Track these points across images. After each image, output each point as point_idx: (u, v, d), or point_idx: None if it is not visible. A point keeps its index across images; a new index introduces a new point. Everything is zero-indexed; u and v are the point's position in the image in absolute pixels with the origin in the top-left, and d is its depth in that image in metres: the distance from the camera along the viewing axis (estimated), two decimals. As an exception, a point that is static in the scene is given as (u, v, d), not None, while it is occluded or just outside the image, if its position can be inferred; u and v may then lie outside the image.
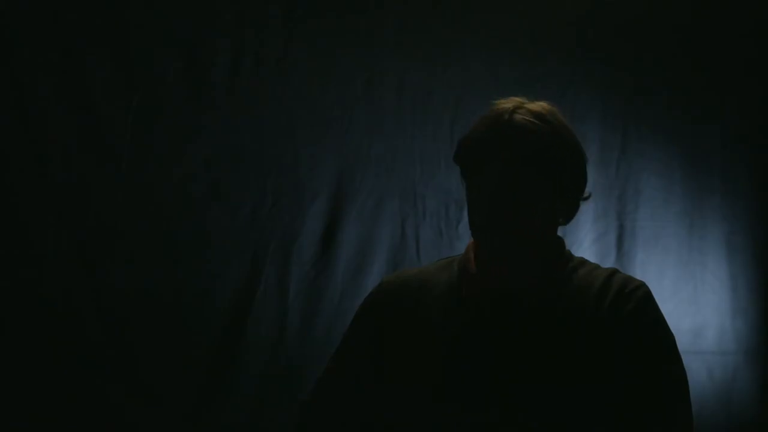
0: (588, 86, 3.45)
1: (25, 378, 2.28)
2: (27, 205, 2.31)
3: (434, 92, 3.07)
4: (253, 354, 2.64)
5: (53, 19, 2.35)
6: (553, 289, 1.66)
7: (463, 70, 3.13)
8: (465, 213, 1.73)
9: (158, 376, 2.47)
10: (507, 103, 1.67)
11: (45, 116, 2.33)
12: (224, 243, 2.62)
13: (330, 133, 2.84)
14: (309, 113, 2.79)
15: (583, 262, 1.73)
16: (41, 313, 2.31)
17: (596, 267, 1.72)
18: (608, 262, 3.39)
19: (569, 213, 1.72)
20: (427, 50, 3.06)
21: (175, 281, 2.52)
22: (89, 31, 2.41)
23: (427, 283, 1.76)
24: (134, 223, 2.46)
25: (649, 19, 3.65)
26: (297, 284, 2.74)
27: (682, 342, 1.75)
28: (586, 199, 1.73)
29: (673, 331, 1.66)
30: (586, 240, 3.40)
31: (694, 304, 3.69)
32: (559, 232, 1.75)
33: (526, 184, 1.63)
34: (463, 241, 2.96)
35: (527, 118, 1.64)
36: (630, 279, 1.67)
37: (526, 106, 1.66)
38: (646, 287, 1.66)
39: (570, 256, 1.74)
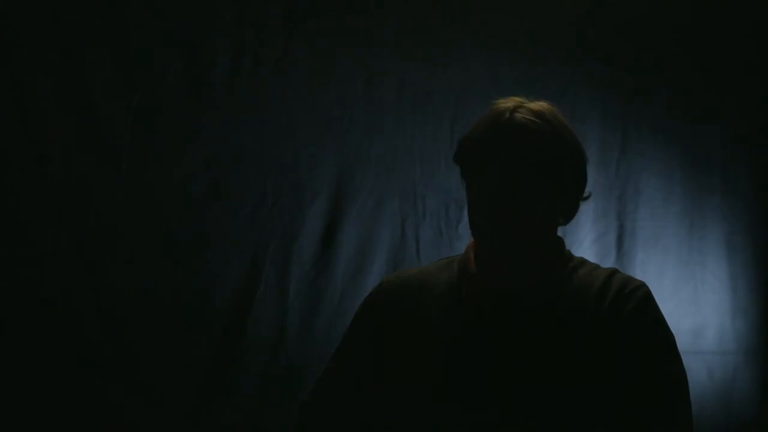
0: (588, 86, 3.45)
1: (25, 378, 2.28)
2: (27, 205, 2.31)
3: (434, 92, 3.07)
4: (253, 354, 2.64)
5: (53, 19, 2.35)
6: (553, 289, 1.66)
7: (463, 70, 3.13)
8: (465, 213, 1.73)
9: (158, 376, 2.47)
10: (507, 102, 1.67)
11: (45, 116, 2.33)
12: (224, 243, 2.62)
13: (330, 133, 2.84)
14: (309, 113, 2.79)
15: (583, 262, 1.73)
16: (41, 313, 2.31)
17: (596, 267, 1.72)
18: (608, 262, 3.39)
19: (569, 213, 1.72)
20: (427, 50, 3.06)
21: (175, 281, 2.52)
22: (89, 31, 2.41)
23: (427, 283, 1.76)
24: (134, 223, 2.46)
25: (649, 19, 3.65)
26: (297, 284, 2.74)
27: (682, 342, 1.75)
28: (586, 199, 1.73)
29: (673, 331, 1.66)
30: (586, 240, 3.40)
31: (694, 304, 3.69)
32: (559, 232, 1.75)
33: (526, 184, 1.63)
34: (463, 241, 2.96)
35: (527, 117, 1.64)
36: (630, 279, 1.67)
37: (526, 105, 1.66)
38: (646, 287, 1.66)
39: (570, 256, 1.74)
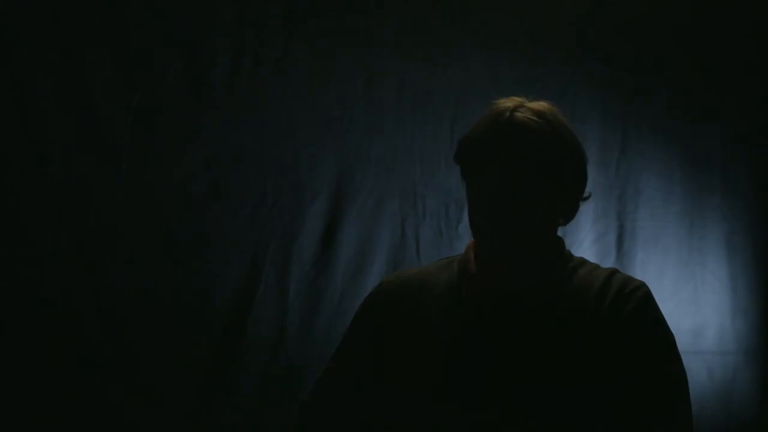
0: (588, 86, 3.45)
1: (25, 378, 2.28)
2: (27, 205, 2.31)
3: (434, 92, 3.07)
4: (253, 354, 2.64)
5: (53, 19, 2.35)
6: (553, 289, 1.66)
7: (463, 70, 3.13)
8: (465, 213, 1.73)
9: (158, 376, 2.47)
10: (507, 102, 1.67)
11: (45, 116, 2.33)
12: (224, 243, 2.62)
13: (330, 133, 2.84)
14: (309, 113, 2.79)
15: (583, 262, 1.73)
16: (41, 313, 2.31)
17: (596, 267, 1.72)
18: (608, 262, 3.39)
19: (569, 213, 1.72)
20: (427, 50, 3.06)
21: (175, 281, 2.52)
22: (89, 31, 2.41)
23: (427, 283, 1.76)
24: (134, 223, 2.46)
25: (649, 19, 3.65)
26: (297, 284, 2.74)
27: (682, 342, 1.75)
28: (586, 199, 1.73)
29: (673, 331, 1.66)
30: (586, 240, 3.40)
31: (694, 304, 3.69)
32: (559, 232, 1.75)
33: (526, 184, 1.63)
34: (463, 241, 2.96)
35: (528, 116, 1.64)
36: (630, 279, 1.67)
37: (526, 105, 1.66)
38: (646, 287, 1.66)
39: (570, 256, 1.74)
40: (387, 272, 2.85)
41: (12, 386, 2.26)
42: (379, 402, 1.72)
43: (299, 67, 2.76)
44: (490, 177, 1.64)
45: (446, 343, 1.66)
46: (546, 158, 1.63)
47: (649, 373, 1.59)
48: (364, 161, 2.90)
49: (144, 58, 2.49)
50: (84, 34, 2.40)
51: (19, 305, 2.29)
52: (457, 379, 1.63)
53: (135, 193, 2.46)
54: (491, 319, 1.65)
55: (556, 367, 1.59)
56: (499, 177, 1.63)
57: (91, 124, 2.40)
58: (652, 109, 3.64)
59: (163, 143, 2.52)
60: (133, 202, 2.46)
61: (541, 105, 1.67)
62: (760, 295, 3.88)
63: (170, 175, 2.53)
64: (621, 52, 3.56)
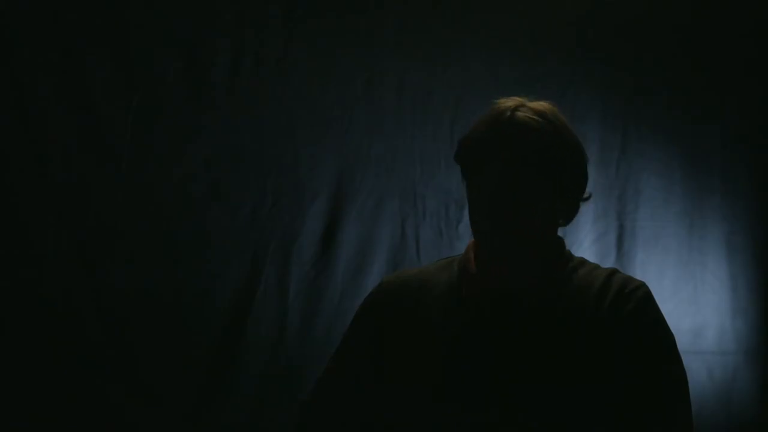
0: (588, 86, 3.45)
1: (25, 378, 2.28)
2: (27, 205, 2.31)
3: (434, 92, 3.07)
4: (253, 354, 2.64)
5: (53, 19, 2.35)
6: (553, 289, 1.66)
7: (463, 70, 3.13)
8: (465, 213, 1.73)
9: (158, 376, 2.47)
10: (508, 101, 1.67)
11: (45, 116, 2.33)
12: (224, 243, 2.62)
13: (330, 133, 2.84)
14: (309, 113, 2.79)
15: (583, 262, 1.73)
16: (41, 313, 2.31)
17: (596, 267, 1.72)
18: (608, 262, 3.39)
19: (569, 214, 1.72)
20: (427, 50, 3.06)
21: (175, 281, 2.52)
22: (89, 31, 2.41)
23: (427, 283, 1.76)
24: (134, 223, 2.46)
25: (649, 19, 3.65)
26: (297, 284, 2.74)
27: (682, 342, 1.75)
28: (587, 199, 1.73)
29: (673, 331, 1.66)
30: (586, 240, 3.40)
31: (694, 304, 3.69)
32: (559, 232, 1.75)
33: (526, 184, 1.63)
34: (463, 241, 2.96)
35: (529, 115, 1.64)
36: (630, 279, 1.67)
37: (527, 104, 1.66)
38: (646, 287, 1.66)
39: (570, 256, 1.74)
40: (387, 272, 2.85)
41: (12, 386, 2.26)
42: (379, 402, 1.72)
43: (299, 67, 2.76)
44: (490, 177, 1.64)
45: (446, 343, 1.66)
46: (546, 158, 1.63)
47: (649, 373, 1.59)
48: (364, 161, 2.90)
49: (144, 58, 2.49)
50: (84, 34, 2.40)
51: (19, 305, 2.29)
52: (457, 379, 1.63)
53: (135, 193, 2.46)
54: (491, 319, 1.65)
55: (556, 367, 1.59)
56: (499, 177, 1.63)
57: (91, 124, 2.40)
58: (652, 109, 3.64)
59: (163, 143, 2.52)
60: (133, 202, 2.46)
61: (541, 105, 1.67)
62: (760, 295, 3.88)
63: (170, 175, 2.53)
64: (621, 52, 3.56)
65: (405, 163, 3.00)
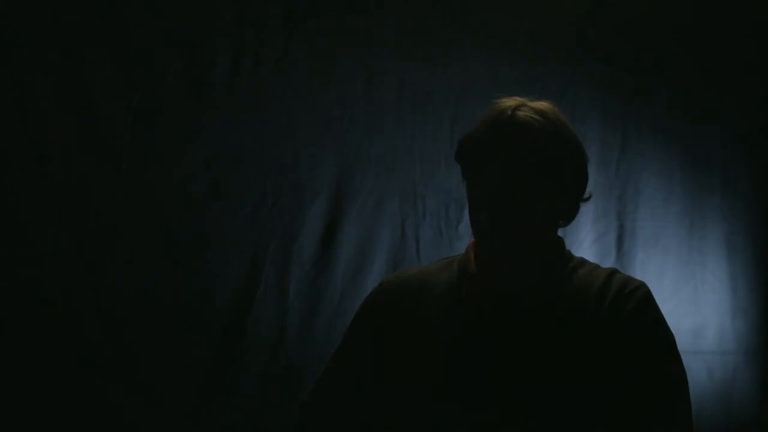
0: (588, 86, 3.45)
1: (25, 378, 2.28)
2: (27, 205, 2.31)
3: (434, 92, 3.07)
4: (253, 354, 2.64)
5: (53, 19, 2.35)
6: (553, 289, 1.66)
7: (463, 70, 3.13)
8: (465, 213, 1.73)
9: (158, 376, 2.47)
10: (509, 101, 1.67)
11: (45, 116, 2.33)
12: (224, 243, 2.62)
13: (330, 133, 2.84)
14: (309, 113, 2.79)
15: (583, 262, 1.73)
16: (41, 313, 2.31)
17: (596, 267, 1.72)
18: (608, 262, 3.39)
19: (570, 214, 1.72)
20: (427, 50, 3.06)
21: (175, 281, 2.52)
22: (89, 31, 2.41)
23: (427, 283, 1.76)
24: (134, 223, 2.46)
25: (649, 19, 3.65)
26: (297, 284, 2.74)
27: (682, 342, 1.75)
28: (587, 200, 1.73)
29: (673, 331, 1.66)
30: (586, 240, 3.40)
31: (694, 304, 3.69)
32: (559, 232, 1.75)
33: (526, 184, 1.63)
34: (463, 241, 2.96)
35: (530, 115, 1.64)
36: (630, 279, 1.67)
37: (528, 104, 1.66)
38: (646, 287, 1.66)
39: (570, 256, 1.74)
40: (387, 272, 2.85)
41: (12, 386, 2.26)
42: (379, 402, 1.72)
43: (299, 67, 2.76)
44: (490, 177, 1.64)
45: (446, 343, 1.66)
46: (546, 158, 1.63)
47: (649, 373, 1.59)
48: (364, 161, 2.90)
49: (144, 58, 2.49)
50: (84, 34, 2.40)
51: (19, 305, 2.29)
52: (457, 379, 1.63)
53: (135, 193, 2.46)
54: (491, 319, 1.65)
55: (556, 367, 1.59)
56: (499, 177, 1.63)
57: (91, 124, 2.40)
58: (652, 109, 3.64)
59: (163, 143, 2.52)
60: (133, 202, 2.46)
61: (543, 104, 1.67)
62: (760, 295, 3.88)
63: (170, 175, 2.53)
64: (621, 52, 3.56)
65: (405, 163, 3.00)
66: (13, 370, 2.27)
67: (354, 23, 2.91)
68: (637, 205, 3.58)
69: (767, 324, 3.88)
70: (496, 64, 3.20)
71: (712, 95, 3.80)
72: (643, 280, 1.68)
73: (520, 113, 1.64)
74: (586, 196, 1.72)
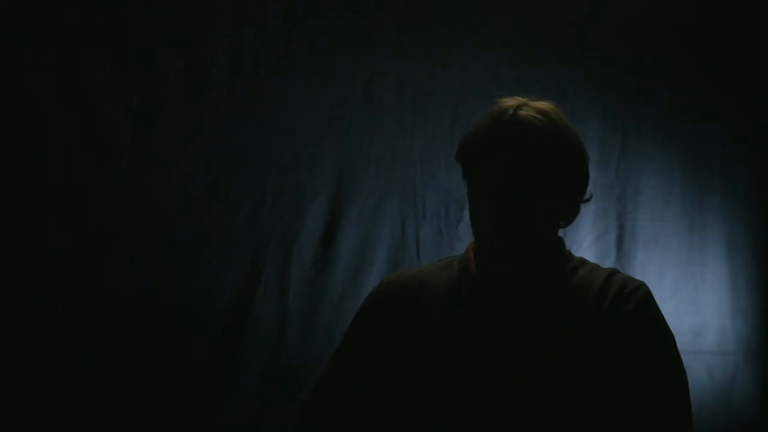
0: (588, 86, 3.45)
1: (25, 378, 2.28)
2: (27, 205, 2.31)
3: (434, 92, 3.07)
4: (253, 354, 2.64)
5: (53, 19, 2.35)
6: (553, 289, 1.66)
7: (463, 70, 3.13)
8: (465, 213, 1.74)
9: (158, 376, 2.47)
10: (511, 101, 1.67)
11: (45, 116, 2.33)
12: (224, 243, 2.62)
13: (330, 133, 2.84)
14: (309, 113, 2.79)
15: (583, 262, 1.73)
16: (41, 313, 2.31)
17: (596, 267, 1.72)
18: (608, 262, 3.39)
19: (570, 214, 1.72)
20: (427, 50, 3.06)
21: (175, 281, 2.52)
22: (89, 31, 2.41)
23: (427, 283, 1.76)
24: (134, 223, 2.46)
25: (649, 19, 3.65)
26: (297, 284, 2.74)
27: (682, 342, 1.75)
28: (588, 201, 1.73)
29: (673, 331, 1.66)
30: (586, 240, 3.40)
31: (694, 304, 3.69)
32: (560, 232, 1.75)
33: (525, 184, 1.63)
34: (463, 241, 2.96)
35: (532, 114, 1.64)
36: (630, 279, 1.67)
37: (530, 104, 1.66)
38: (646, 287, 1.66)
39: (570, 256, 1.74)
40: (387, 272, 2.85)
41: (12, 386, 2.26)
42: (379, 402, 1.72)
43: (299, 67, 2.76)
44: (490, 177, 1.64)
45: (446, 343, 1.66)
46: (546, 158, 1.63)
47: (649, 373, 1.59)
48: (364, 161, 2.90)
49: (144, 58, 2.49)
50: (84, 34, 2.40)
51: (19, 305, 2.29)
52: (457, 379, 1.63)
53: (135, 193, 2.46)
54: (491, 319, 1.65)
55: (556, 367, 1.59)
56: (499, 177, 1.63)
57: (91, 124, 2.40)
58: (652, 109, 3.64)
59: (163, 143, 2.52)
60: (133, 202, 2.46)
61: (544, 104, 1.67)
62: (760, 295, 3.88)
63: (170, 175, 2.53)
64: (621, 52, 3.56)
65: (405, 163, 3.00)
66: (13, 370, 2.27)
67: (354, 23, 2.91)
68: (637, 205, 3.58)
69: (767, 324, 3.88)
70: (496, 64, 3.20)
71: (712, 95, 3.80)
72: (643, 280, 1.68)
73: (522, 113, 1.64)
74: (586, 196, 1.72)
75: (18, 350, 2.28)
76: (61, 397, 2.32)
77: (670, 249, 3.66)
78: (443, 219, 3.05)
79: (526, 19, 3.32)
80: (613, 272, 1.69)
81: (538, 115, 1.63)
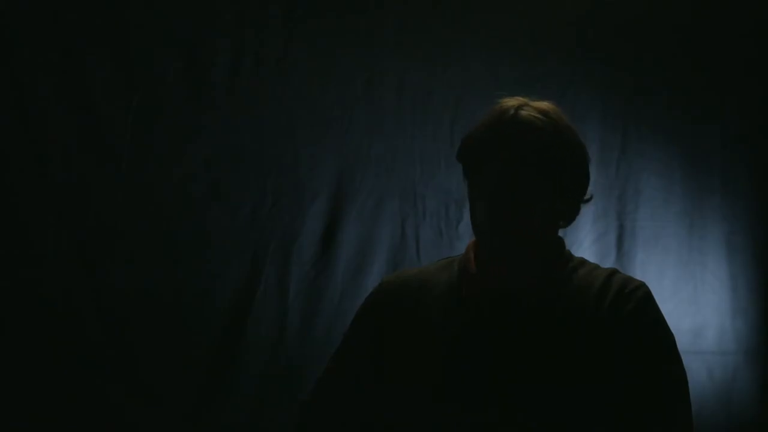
0: (588, 86, 3.45)
1: (25, 378, 2.28)
2: (27, 205, 2.31)
3: (434, 92, 3.07)
4: (253, 354, 2.64)
5: (53, 19, 2.35)
6: (553, 289, 1.66)
7: (463, 70, 3.13)
8: (465, 213, 1.74)
9: (158, 376, 2.47)
10: (512, 100, 1.67)
11: (45, 116, 2.33)
12: (224, 243, 2.62)
13: (330, 133, 2.84)
14: (309, 113, 2.79)
15: (583, 262, 1.73)
16: (41, 313, 2.31)
17: (596, 267, 1.72)
18: (608, 262, 3.39)
19: (570, 214, 1.72)
20: (427, 50, 3.06)
21: (175, 281, 2.52)
22: (89, 31, 2.41)
23: (427, 283, 1.76)
24: (134, 223, 2.46)
25: (649, 19, 3.64)
26: (297, 284, 2.74)
27: (682, 342, 1.75)
28: (588, 201, 1.73)
29: (673, 331, 1.66)
30: (586, 240, 3.40)
31: (694, 304, 3.69)
32: (560, 232, 1.75)
33: (525, 184, 1.63)
34: (463, 241, 2.96)
35: (533, 114, 1.64)
36: (630, 279, 1.67)
37: (531, 104, 1.66)
38: (646, 287, 1.66)
39: (570, 256, 1.74)
40: (387, 272, 2.85)
41: (12, 386, 2.26)
42: (379, 402, 1.72)
43: (299, 67, 2.76)
44: (490, 177, 1.64)
45: (446, 343, 1.66)
46: (546, 158, 1.63)
47: (649, 373, 1.59)
48: (364, 161, 2.90)
49: (144, 58, 2.49)
50: (84, 34, 2.40)
51: (19, 305, 2.29)
52: (457, 379, 1.63)
53: (135, 193, 2.46)
54: (491, 319, 1.65)
55: (556, 367, 1.59)
56: (498, 177, 1.63)
57: (91, 124, 2.40)
58: (652, 109, 3.64)
59: (163, 143, 2.52)
60: (133, 202, 2.46)
61: (545, 104, 1.67)
62: (760, 295, 3.88)
63: (170, 175, 2.53)
64: (621, 52, 3.56)
65: (405, 163, 3.00)
66: (13, 370, 2.27)
67: (354, 23, 2.91)
68: (637, 205, 3.58)
69: (767, 324, 3.88)
70: (496, 64, 3.20)
71: (712, 95, 3.80)
72: (643, 280, 1.68)
73: (523, 112, 1.64)
74: (587, 196, 1.72)
75: (18, 350, 2.28)
76: (61, 397, 2.32)
77: (670, 249, 3.66)
78: (443, 219, 3.05)
79: (526, 19, 3.32)
80: (613, 272, 1.69)
81: (538, 115, 1.63)
